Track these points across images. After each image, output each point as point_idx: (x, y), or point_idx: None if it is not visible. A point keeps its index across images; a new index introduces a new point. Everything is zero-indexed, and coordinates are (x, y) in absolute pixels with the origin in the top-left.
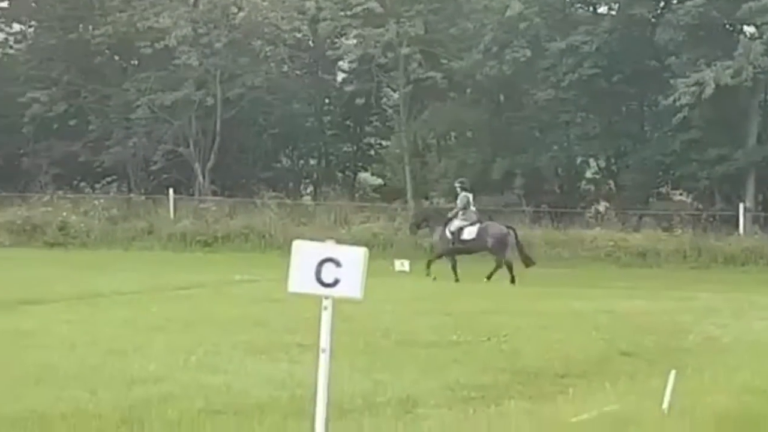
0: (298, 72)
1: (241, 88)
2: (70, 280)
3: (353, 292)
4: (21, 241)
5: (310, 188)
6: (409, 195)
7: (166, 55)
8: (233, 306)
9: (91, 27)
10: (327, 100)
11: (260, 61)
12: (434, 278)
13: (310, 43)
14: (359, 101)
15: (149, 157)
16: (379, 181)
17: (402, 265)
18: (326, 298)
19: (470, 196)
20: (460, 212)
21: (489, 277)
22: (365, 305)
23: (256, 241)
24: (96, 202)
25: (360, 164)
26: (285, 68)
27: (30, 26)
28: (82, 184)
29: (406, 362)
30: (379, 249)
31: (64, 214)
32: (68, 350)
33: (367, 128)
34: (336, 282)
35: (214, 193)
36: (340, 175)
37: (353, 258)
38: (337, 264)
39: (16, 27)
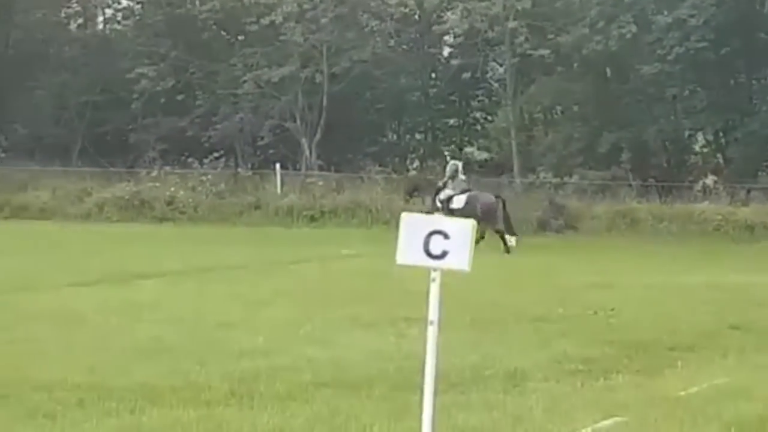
0: (404, 46)
1: (347, 63)
2: (178, 254)
3: (461, 264)
4: (129, 217)
5: (416, 163)
6: (515, 169)
7: (272, 30)
8: (340, 280)
9: (197, 2)
10: (433, 75)
11: (366, 36)
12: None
13: (416, 17)
14: (465, 75)
15: (256, 132)
16: (485, 155)
17: (509, 240)
18: (434, 270)
19: (459, 164)
20: (449, 181)
21: (507, 250)
22: (472, 279)
23: (363, 215)
24: (203, 177)
25: (466, 138)
26: (391, 43)
27: (138, 2)
28: (190, 159)
29: (514, 335)
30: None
31: (172, 189)
32: (177, 323)
33: (473, 102)
34: (444, 254)
35: (321, 168)
36: (446, 149)
37: (461, 230)
38: (446, 236)
39: (124, 3)
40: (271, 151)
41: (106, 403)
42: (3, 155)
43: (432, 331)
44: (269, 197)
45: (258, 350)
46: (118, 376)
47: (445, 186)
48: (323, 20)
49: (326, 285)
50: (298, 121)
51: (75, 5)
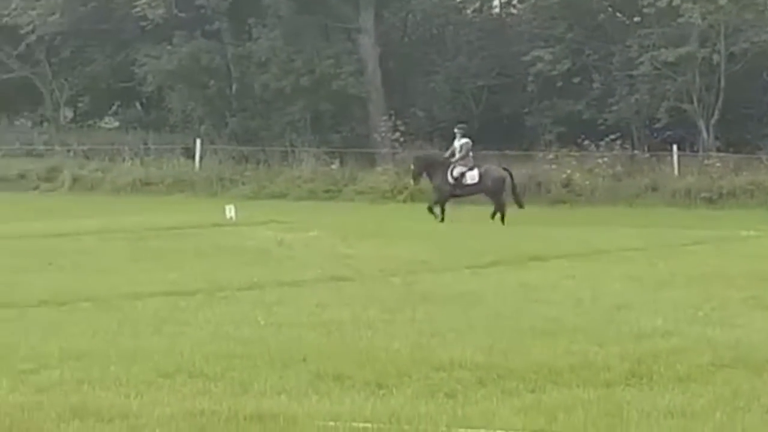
0: None
1: (745, 43)
2: (574, 236)
3: None
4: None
5: None
6: None
7: (670, 11)
8: (739, 261)
9: None
10: None
11: (764, 16)
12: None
13: None
14: None
15: (652, 113)
16: None
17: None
18: None
19: (470, 142)
20: (461, 159)
21: (493, 217)
22: None
23: (762, 197)
24: (600, 159)
25: None
26: None
27: None
28: (586, 141)
29: None
30: None
31: (569, 171)
32: (574, 305)
33: None
34: None
35: (718, 150)
36: None
37: None
38: None
39: None
40: (667, 133)
41: (506, 383)
42: (402, 139)
43: None
44: (666, 179)
45: (657, 331)
46: (516, 355)
47: (457, 163)
48: (721, 1)
49: (725, 266)
50: (695, 102)
51: None
